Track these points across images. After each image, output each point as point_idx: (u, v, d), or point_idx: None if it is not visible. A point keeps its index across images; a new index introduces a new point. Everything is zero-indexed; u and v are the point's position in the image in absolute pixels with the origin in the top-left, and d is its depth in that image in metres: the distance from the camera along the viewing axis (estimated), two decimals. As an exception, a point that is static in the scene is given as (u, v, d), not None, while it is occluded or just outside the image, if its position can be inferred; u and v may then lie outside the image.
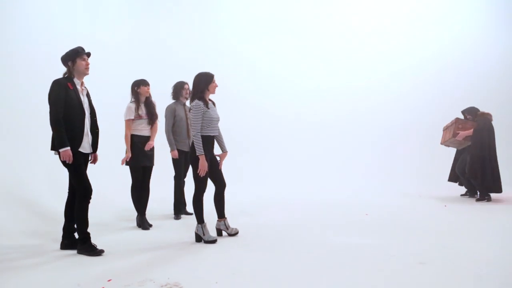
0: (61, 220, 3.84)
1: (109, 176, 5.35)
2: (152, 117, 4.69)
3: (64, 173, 3.76)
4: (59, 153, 3.54)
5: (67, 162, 3.52)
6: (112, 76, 6.43)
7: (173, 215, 5.25)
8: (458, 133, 6.22)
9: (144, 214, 4.73)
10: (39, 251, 3.66)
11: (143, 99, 4.69)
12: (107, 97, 4.84)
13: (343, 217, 5.23)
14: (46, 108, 3.59)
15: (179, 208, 5.27)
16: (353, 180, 7.21)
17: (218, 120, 4.09)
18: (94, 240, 3.66)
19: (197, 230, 3.98)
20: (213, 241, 3.91)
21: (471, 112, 6.53)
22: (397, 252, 3.45)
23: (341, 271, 3.03)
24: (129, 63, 7.08)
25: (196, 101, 3.96)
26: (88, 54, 3.70)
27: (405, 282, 2.76)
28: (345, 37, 8.48)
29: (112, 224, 4.83)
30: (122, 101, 4.95)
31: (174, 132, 5.15)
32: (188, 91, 5.21)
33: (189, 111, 4.19)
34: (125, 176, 4.89)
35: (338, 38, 8.44)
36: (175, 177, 5.31)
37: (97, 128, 3.89)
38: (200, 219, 3.97)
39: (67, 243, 3.74)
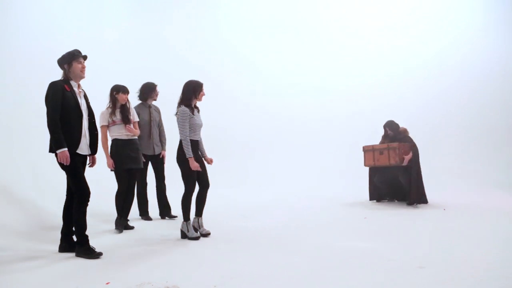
0: (60, 223, 3.83)
1: (103, 178, 5.33)
2: (125, 120, 4.64)
3: (63, 175, 3.75)
4: (56, 155, 3.53)
5: (64, 163, 3.51)
6: (110, 77, 6.41)
7: (140, 216, 5.34)
8: (403, 158, 6.20)
9: (127, 217, 4.69)
10: (37, 254, 3.64)
11: (119, 105, 4.67)
12: (103, 99, 4.82)
13: (342, 220, 5.23)
14: (45, 109, 3.58)
15: (145, 210, 5.34)
16: (353, 182, 7.19)
17: (201, 126, 4.29)
18: (91, 242, 3.64)
19: (183, 227, 4.22)
20: (197, 238, 4.16)
21: (392, 127, 6.57)
22: (396, 256, 3.44)
23: (341, 274, 3.02)
24: (128, 64, 7.09)
25: (182, 107, 4.15)
26: (85, 57, 3.69)
27: (405, 286, 2.76)
28: (346, 39, 8.49)
29: (109, 227, 4.82)
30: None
31: (138, 136, 5.06)
32: (157, 93, 5.28)
33: (176, 115, 4.24)
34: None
35: (340, 39, 8.45)
36: (137, 181, 5.15)
37: (96, 130, 3.88)
38: (186, 217, 4.20)
39: (66, 246, 3.72)
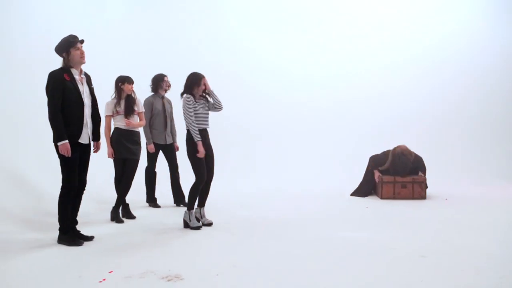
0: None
1: (108, 167, 5.35)
2: (127, 111, 4.64)
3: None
4: (56, 146, 3.54)
5: (65, 155, 3.51)
6: (114, 71, 6.40)
7: (147, 203, 5.46)
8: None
9: (118, 205, 4.68)
10: (41, 244, 3.66)
11: (124, 95, 4.68)
12: (107, 92, 4.82)
13: (344, 210, 5.24)
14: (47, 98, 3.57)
15: (152, 197, 5.45)
16: (355, 172, 7.16)
17: (205, 114, 4.33)
18: (94, 231, 3.67)
19: (185, 216, 4.24)
20: (198, 228, 4.17)
21: (405, 164, 6.04)
22: (398, 246, 3.46)
23: (342, 264, 3.04)
24: (132, 58, 7.07)
25: (186, 95, 4.22)
26: (82, 41, 3.61)
27: (406, 275, 2.77)
28: (347, 28, 8.38)
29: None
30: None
31: (151, 125, 5.23)
32: (168, 83, 5.37)
33: (182, 103, 4.28)
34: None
35: (342, 28, 8.35)
36: (146, 168, 5.41)
37: (99, 117, 3.88)
38: (191, 206, 4.21)
39: (69, 234, 3.74)
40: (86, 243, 3.61)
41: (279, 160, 7.78)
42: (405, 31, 8.42)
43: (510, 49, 8.39)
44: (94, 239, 3.74)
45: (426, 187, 5.95)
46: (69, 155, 3.51)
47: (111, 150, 4.68)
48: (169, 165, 5.47)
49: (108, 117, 4.71)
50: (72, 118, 3.57)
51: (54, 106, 3.50)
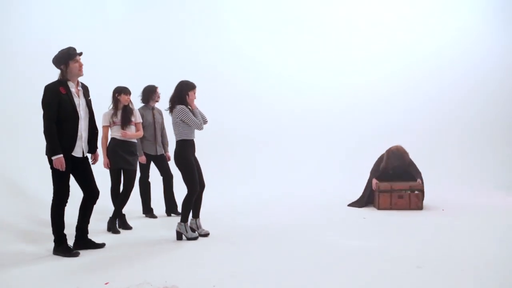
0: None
1: (104, 178, 5.35)
2: (124, 122, 4.66)
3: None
4: (50, 160, 3.54)
5: (59, 169, 3.50)
6: (112, 78, 6.41)
7: (143, 214, 5.47)
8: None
9: (115, 216, 4.65)
10: (37, 255, 3.64)
11: (121, 106, 4.71)
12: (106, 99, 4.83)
13: (341, 219, 5.23)
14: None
15: (148, 208, 5.45)
16: (353, 181, 7.15)
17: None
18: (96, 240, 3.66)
19: (179, 228, 4.18)
20: (195, 238, 4.15)
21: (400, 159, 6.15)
22: (395, 255, 3.45)
23: (339, 273, 3.03)
24: (130, 63, 7.09)
25: (179, 106, 4.15)
26: (80, 54, 3.62)
27: (403, 285, 2.76)
28: (346, 35, 8.43)
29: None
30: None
31: (142, 136, 5.13)
32: (158, 95, 5.41)
33: (177, 115, 4.20)
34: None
35: (340, 35, 8.38)
36: (140, 179, 5.37)
37: (96, 129, 3.88)
38: (185, 218, 4.17)
39: (81, 243, 3.77)
40: (82, 255, 3.59)
41: (279, 166, 7.76)
42: (404, 36, 8.44)
43: (510, 56, 8.43)
44: (98, 248, 3.78)
45: (423, 197, 5.95)
46: (63, 170, 3.51)
47: (107, 160, 4.69)
48: (162, 175, 5.48)
49: (106, 128, 4.73)
50: (66, 131, 3.57)
51: (49, 119, 3.50)
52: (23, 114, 5.35)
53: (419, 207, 5.85)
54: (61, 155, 3.49)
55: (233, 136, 7.68)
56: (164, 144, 5.54)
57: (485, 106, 8.26)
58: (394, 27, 8.46)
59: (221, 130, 7.25)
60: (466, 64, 8.39)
